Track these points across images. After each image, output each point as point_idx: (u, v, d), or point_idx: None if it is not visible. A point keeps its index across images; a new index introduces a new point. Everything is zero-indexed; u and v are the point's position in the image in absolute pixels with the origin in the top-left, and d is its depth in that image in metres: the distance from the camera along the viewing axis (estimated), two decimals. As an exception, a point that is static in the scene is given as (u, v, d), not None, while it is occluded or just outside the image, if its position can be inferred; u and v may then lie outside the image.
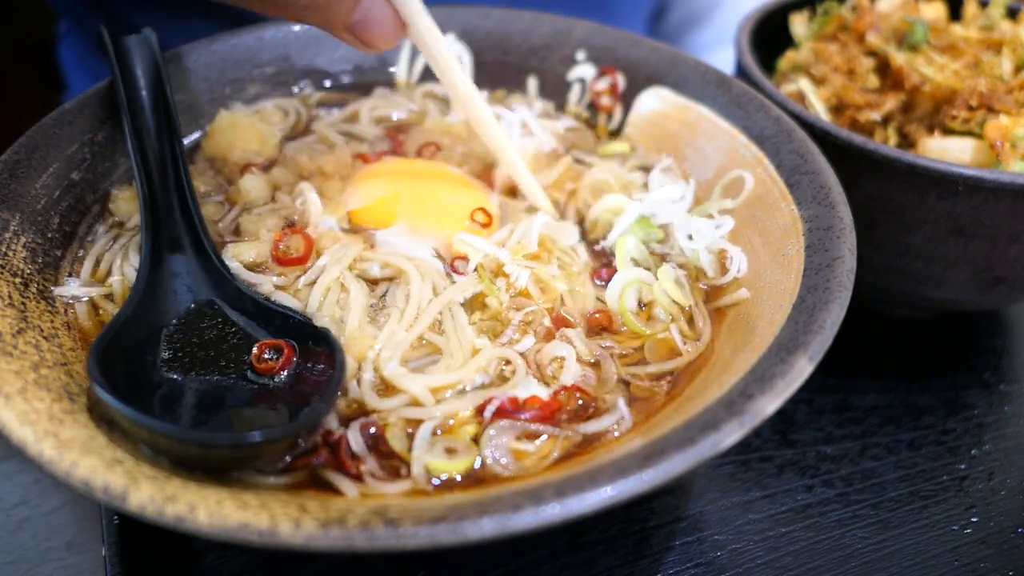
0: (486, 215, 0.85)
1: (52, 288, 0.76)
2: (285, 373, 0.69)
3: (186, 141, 0.97)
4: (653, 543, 0.83)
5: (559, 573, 0.80)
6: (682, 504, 0.87)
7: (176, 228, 0.78)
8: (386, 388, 0.70)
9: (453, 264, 0.81)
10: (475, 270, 0.79)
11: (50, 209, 0.79)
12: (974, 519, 0.88)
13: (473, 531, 0.51)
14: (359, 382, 0.70)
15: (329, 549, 0.50)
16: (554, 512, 0.52)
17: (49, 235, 0.78)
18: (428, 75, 1.12)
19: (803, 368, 0.61)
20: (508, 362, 0.73)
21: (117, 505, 0.51)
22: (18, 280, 0.71)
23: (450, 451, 0.65)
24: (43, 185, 0.79)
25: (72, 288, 0.77)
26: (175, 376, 0.67)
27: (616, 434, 0.68)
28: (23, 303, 0.70)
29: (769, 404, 0.58)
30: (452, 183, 0.91)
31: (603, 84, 1.07)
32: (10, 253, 0.73)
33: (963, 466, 0.94)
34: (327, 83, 1.09)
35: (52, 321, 0.71)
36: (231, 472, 0.61)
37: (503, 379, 0.72)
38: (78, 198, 0.83)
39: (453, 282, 0.79)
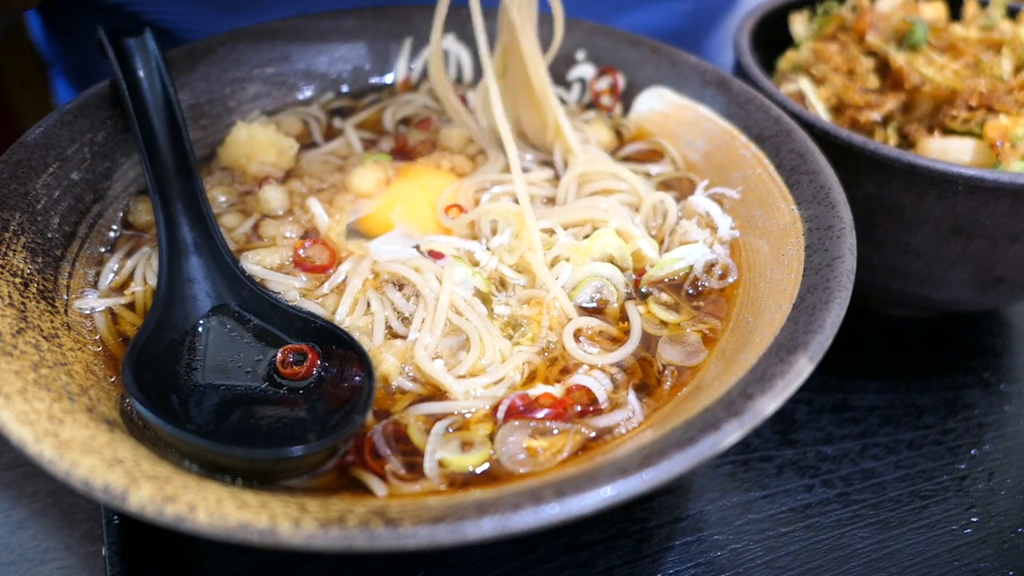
0: (459, 210, 0.87)
1: (75, 302, 0.76)
2: (312, 376, 0.69)
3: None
4: (653, 543, 0.83)
5: (559, 573, 0.80)
6: (682, 504, 0.87)
7: (190, 232, 0.78)
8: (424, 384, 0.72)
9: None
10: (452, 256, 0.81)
11: (50, 209, 0.79)
12: (974, 519, 0.88)
13: (473, 531, 0.51)
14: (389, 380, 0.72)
15: (329, 549, 0.50)
16: (554, 512, 0.52)
17: (49, 235, 0.78)
18: (427, 74, 1.12)
19: (803, 368, 0.61)
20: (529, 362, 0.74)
21: (117, 505, 0.51)
22: (18, 280, 0.71)
23: (465, 446, 0.66)
24: (43, 185, 0.79)
25: (92, 300, 0.77)
26: (204, 384, 0.68)
27: (626, 428, 0.69)
28: (23, 303, 0.70)
29: (769, 404, 0.58)
30: (439, 184, 0.92)
31: (603, 84, 1.07)
32: (10, 253, 0.73)
33: (963, 466, 0.94)
34: (326, 84, 1.09)
35: (52, 321, 0.71)
36: (270, 481, 0.62)
37: (530, 378, 0.73)
38: (78, 198, 0.83)
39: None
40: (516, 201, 0.87)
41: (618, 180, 0.91)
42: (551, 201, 0.92)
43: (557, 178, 0.95)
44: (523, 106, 0.96)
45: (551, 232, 0.85)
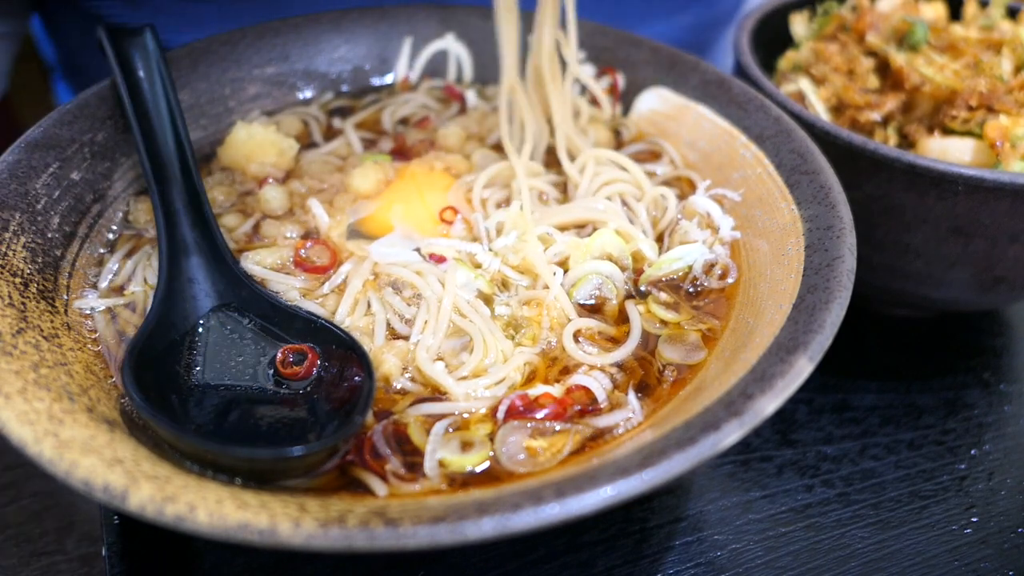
0: (453, 212, 0.87)
1: (75, 303, 0.76)
2: (312, 376, 0.69)
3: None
4: (653, 543, 0.83)
5: (559, 573, 0.80)
6: (682, 504, 0.87)
7: (190, 232, 0.78)
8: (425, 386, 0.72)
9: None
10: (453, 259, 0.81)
11: (50, 209, 0.79)
12: (974, 519, 0.88)
13: (473, 531, 0.51)
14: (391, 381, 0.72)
15: (329, 549, 0.50)
16: (554, 512, 0.52)
17: (49, 235, 0.78)
18: (428, 74, 1.12)
19: (803, 368, 0.61)
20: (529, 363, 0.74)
21: (117, 505, 0.51)
22: (18, 280, 0.71)
23: (465, 446, 0.66)
24: (43, 185, 0.79)
25: (91, 300, 0.77)
26: (203, 384, 0.68)
27: (626, 428, 0.69)
28: (23, 303, 0.70)
29: (769, 404, 0.58)
30: (437, 184, 0.92)
31: (603, 84, 1.07)
32: (10, 253, 0.73)
33: (963, 466, 0.94)
34: (326, 84, 1.09)
35: (52, 321, 0.71)
36: (270, 481, 0.62)
37: (530, 378, 0.73)
38: (78, 198, 0.83)
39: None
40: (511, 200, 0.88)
41: (620, 169, 0.91)
42: (545, 195, 0.92)
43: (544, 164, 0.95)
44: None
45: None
